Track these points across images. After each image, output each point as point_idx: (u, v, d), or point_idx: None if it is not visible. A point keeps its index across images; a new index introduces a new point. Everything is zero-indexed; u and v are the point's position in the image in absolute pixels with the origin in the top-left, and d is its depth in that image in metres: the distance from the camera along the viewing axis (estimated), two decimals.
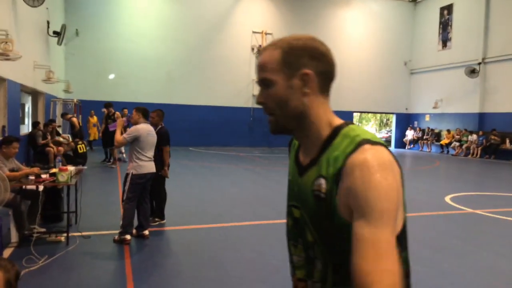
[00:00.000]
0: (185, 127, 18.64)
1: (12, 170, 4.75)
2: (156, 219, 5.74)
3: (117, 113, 12.09)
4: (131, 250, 4.66)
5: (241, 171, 11.94)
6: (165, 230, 5.54)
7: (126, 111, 12.36)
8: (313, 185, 1.00)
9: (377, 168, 0.89)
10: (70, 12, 18.00)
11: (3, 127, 9.00)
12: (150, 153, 5.11)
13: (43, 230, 4.97)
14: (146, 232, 5.10)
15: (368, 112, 22.29)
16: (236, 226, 5.87)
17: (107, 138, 11.45)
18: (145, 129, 5.08)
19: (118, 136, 5.01)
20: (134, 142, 4.94)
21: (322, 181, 0.97)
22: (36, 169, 4.99)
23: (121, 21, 18.88)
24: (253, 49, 20.72)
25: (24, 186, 4.86)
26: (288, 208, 1.15)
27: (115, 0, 18.82)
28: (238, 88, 20.57)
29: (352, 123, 1.04)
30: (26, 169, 4.96)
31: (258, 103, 1.08)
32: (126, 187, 4.95)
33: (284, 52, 1.02)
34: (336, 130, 1.01)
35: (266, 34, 20.65)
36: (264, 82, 1.05)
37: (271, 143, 20.67)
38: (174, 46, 19.53)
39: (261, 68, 1.05)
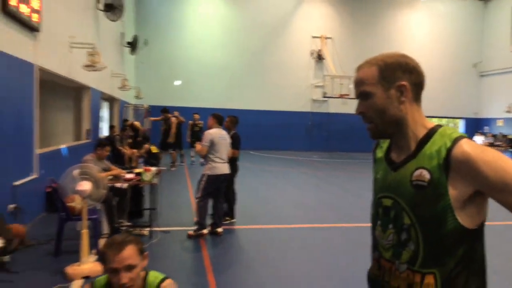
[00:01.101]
0: (246, 131, 19.10)
1: (104, 170, 5.34)
2: (227, 218, 6.11)
3: (173, 117, 12.91)
4: (207, 245, 5.04)
5: (301, 175, 12.10)
6: (235, 229, 5.89)
7: (197, 116, 13.12)
8: (412, 176, 1.19)
9: (486, 151, 1.11)
10: (140, 24, 19.31)
11: (88, 130, 9.97)
12: (224, 156, 5.48)
13: (129, 224, 5.52)
14: (220, 229, 5.47)
15: (434, 117, 21.35)
16: (301, 228, 6.06)
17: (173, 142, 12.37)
18: (218, 133, 5.48)
19: (199, 146, 5.45)
20: (209, 146, 5.34)
21: (424, 172, 1.17)
22: (123, 171, 5.58)
23: (186, 29, 19.90)
24: (311, 53, 20.80)
25: (113, 184, 5.44)
26: (377, 200, 1.33)
27: (181, 11, 19.88)
28: (297, 92, 20.75)
29: (442, 125, 1.24)
30: (115, 170, 5.54)
31: (358, 113, 1.30)
32: (201, 187, 5.36)
33: (380, 68, 1.23)
34: (432, 130, 1.22)
35: (326, 38, 20.64)
36: (363, 94, 1.26)
37: (329, 147, 20.59)
38: (236, 52, 20.18)
39: (360, 82, 1.27)
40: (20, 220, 5.04)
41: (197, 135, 11.84)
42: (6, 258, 4.12)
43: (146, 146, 10.14)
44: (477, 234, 1.19)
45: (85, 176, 4.21)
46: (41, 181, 6.09)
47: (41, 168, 6.10)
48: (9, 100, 5.01)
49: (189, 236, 5.28)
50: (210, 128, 5.58)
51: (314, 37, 20.73)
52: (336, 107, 20.79)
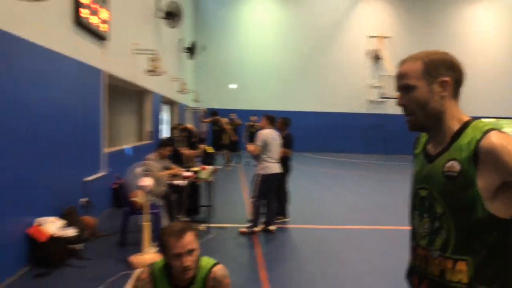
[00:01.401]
0: (300, 133, 19.10)
1: (164, 168, 5.66)
2: (280, 217, 6.20)
3: (224, 119, 13.23)
4: (260, 242, 5.17)
5: (356, 178, 11.87)
6: (288, 228, 5.95)
7: (254, 118, 13.41)
8: (444, 167, 1.25)
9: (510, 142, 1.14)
10: (198, 30, 20.06)
11: (150, 132, 10.56)
12: (276, 156, 5.58)
13: (187, 219, 5.80)
14: (272, 227, 5.57)
15: (506, 118, 19.91)
16: (355, 229, 5.99)
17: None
18: (270, 134, 5.60)
19: (251, 146, 5.60)
20: (262, 146, 5.47)
21: (455, 164, 1.22)
22: (181, 169, 5.88)
23: (241, 34, 20.33)
24: (368, 53, 20.30)
25: (172, 182, 5.75)
26: (414, 191, 1.41)
27: (236, 16, 20.35)
28: (352, 93, 20.36)
29: (478, 119, 1.28)
30: (175, 168, 5.85)
31: (400, 105, 1.36)
32: (255, 186, 5.51)
33: (425, 63, 1.29)
34: (466, 124, 1.27)
35: (384, 38, 20.05)
36: (406, 87, 1.32)
37: (387, 150, 19.94)
38: (290, 54, 20.26)
39: (403, 76, 1.33)
40: (91, 213, 5.50)
41: (254, 137, 12.10)
42: (79, 246, 4.54)
43: (202, 146, 10.52)
44: (510, 224, 1.20)
45: (147, 173, 4.52)
46: (108, 178, 6.59)
47: (108, 166, 6.60)
48: (80, 104, 5.49)
49: (242, 233, 5.45)
50: (262, 129, 5.71)
51: (370, 36, 20.22)
52: (393, 108, 20.06)
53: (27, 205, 4.07)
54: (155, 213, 4.95)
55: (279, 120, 6.31)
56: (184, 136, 11.59)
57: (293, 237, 5.64)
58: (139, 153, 8.01)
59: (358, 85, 20.42)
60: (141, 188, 4.43)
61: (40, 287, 3.62)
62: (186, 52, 15.87)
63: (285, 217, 6.26)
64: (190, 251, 1.89)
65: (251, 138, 12.80)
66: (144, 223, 4.41)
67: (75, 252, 4.43)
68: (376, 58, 20.14)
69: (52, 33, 4.48)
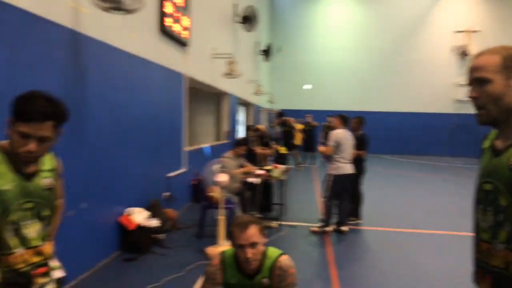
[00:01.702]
0: (379, 135, 18.47)
1: (239, 167, 5.92)
2: (353, 218, 6.11)
3: (291, 119, 13.21)
4: (331, 241, 5.17)
5: (439, 182, 11.17)
6: (361, 229, 5.86)
7: (332, 119, 13.31)
8: (510, 160, 1.23)
9: None
10: (274, 32, 20.38)
11: (226, 132, 11.03)
12: (348, 156, 5.52)
13: (260, 216, 6.00)
14: (344, 228, 5.53)
15: None
16: (433, 234, 5.69)
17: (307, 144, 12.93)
18: (343, 134, 5.55)
19: (323, 147, 5.62)
20: (335, 146, 5.46)
21: None
22: (255, 168, 6.10)
23: (316, 35, 20.21)
24: (454, 50, 18.91)
25: (246, 179, 5.99)
26: (479, 186, 1.39)
27: (312, 16, 20.28)
28: (437, 92, 19.12)
29: None
30: (249, 166, 6.09)
31: (471, 97, 1.34)
32: (327, 186, 5.51)
33: (503, 57, 1.27)
34: None
35: (472, 32, 18.54)
36: (480, 80, 1.30)
37: (476, 153, 18.35)
38: (368, 54, 19.67)
39: (478, 68, 1.31)
40: (172, 206, 5.95)
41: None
42: (162, 236, 4.95)
43: (275, 146, 10.72)
44: None
45: (223, 170, 4.78)
46: (188, 174, 7.05)
47: (188, 163, 7.07)
48: (165, 106, 5.97)
49: (313, 232, 5.48)
50: (335, 129, 5.69)
51: (456, 31, 18.83)
52: None
53: (119, 196, 4.56)
54: (230, 208, 5.21)
55: (354, 119, 6.22)
56: (257, 136, 11.88)
57: (366, 238, 5.53)
58: (216, 152, 8.43)
59: (443, 83, 19.13)
60: (217, 184, 4.70)
61: (129, 270, 4.03)
62: (262, 54, 16.22)
63: (358, 219, 6.16)
64: (253, 244, 2.01)
65: (326, 138, 12.75)
66: (219, 217, 4.67)
67: (158, 241, 4.84)
68: (463, 54, 18.67)
69: (141, 41, 4.96)
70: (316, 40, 20.20)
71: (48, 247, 1.63)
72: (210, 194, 5.25)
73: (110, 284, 3.66)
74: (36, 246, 1.55)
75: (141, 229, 4.57)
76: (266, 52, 16.19)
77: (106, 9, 3.51)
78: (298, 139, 13.41)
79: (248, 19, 11.38)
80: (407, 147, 19.16)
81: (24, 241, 1.51)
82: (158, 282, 3.70)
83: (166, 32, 5.65)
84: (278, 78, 20.44)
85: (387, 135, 18.98)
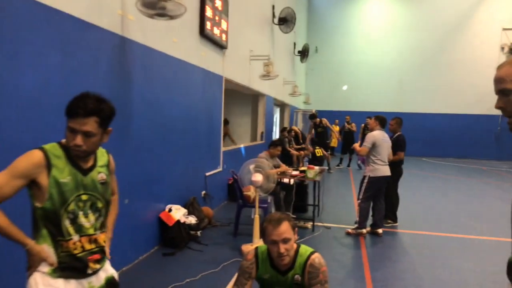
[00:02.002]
0: (418, 137, 17.98)
1: (274, 167, 6.01)
2: (389, 221, 6.04)
3: (324, 119, 13.08)
4: (366, 243, 5.15)
5: (482, 186, 10.74)
6: (397, 232, 5.78)
7: (369, 120, 13.16)
8: None
9: None
10: (311, 32, 20.30)
11: (262, 133, 11.15)
12: (385, 158, 5.47)
13: (294, 216, 6.06)
14: (380, 230, 5.49)
15: None
16: (473, 239, 5.53)
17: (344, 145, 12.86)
18: (380, 135, 5.50)
19: (358, 147, 5.61)
20: (371, 148, 5.42)
21: None
22: (290, 168, 6.16)
23: (354, 34, 19.93)
24: (503, 48, 18.05)
25: (281, 179, 6.07)
26: None
27: (349, 16, 20.02)
28: (481, 93, 18.31)
29: None
30: (283, 167, 6.16)
31: (497, 107, 1.37)
32: (363, 188, 5.49)
33: None
34: None
35: None
36: (503, 92, 1.33)
37: None
38: (407, 53, 19.18)
39: (500, 80, 1.35)
40: (209, 204, 6.13)
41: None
42: (198, 233, 5.13)
43: (310, 148, 10.71)
44: None
45: (258, 169, 4.89)
46: (224, 174, 7.22)
47: (224, 163, 7.23)
48: (203, 107, 6.15)
49: (348, 234, 5.48)
50: (372, 130, 5.66)
51: (505, 29, 17.96)
52: None
53: (160, 193, 4.77)
54: (265, 207, 5.31)
55: (391, 120, 6.15)
56: (292, 136, 11.91)
57: (402, 241, 5.46)
58: (251, 153, 8.57)
59: (490, 83, 18.25)
60: (252, 183, 4.81)
61: (167, 264, 4.22)
62: (298, 55, 16.22)
63: (394, 222, 6.08)
64: (285, 240, 2.09)
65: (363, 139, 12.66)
66: (255, 216, 4.78)
67: (195, 237, 5.02)
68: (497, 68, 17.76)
69: (182, 45, 5.16)
70: (353, 39, 19.93)
71: (102, 237, 1.79)
72: (246, 193, 5.38)
73: (151, 277, 3.85)
74: (90, 235, 1.71)
75: (179, 225, 4.76)
76: (303, 53, 16.17)
77: (151, 16, 3.70)
78: (333, 141, 13.31)
79: (285, 21, 11.45)
80: (449, 150, 18.51)
81: (80, 229, 1.67)
82: (196, 277, 3.86)
83: (206, 36, 5.84)
84: (314, 79, 20.35)
85: (427, 137, 18.42)
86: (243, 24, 8.30)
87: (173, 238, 4.66)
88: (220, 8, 6.36)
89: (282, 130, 12.70)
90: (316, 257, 2.18)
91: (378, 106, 18.54)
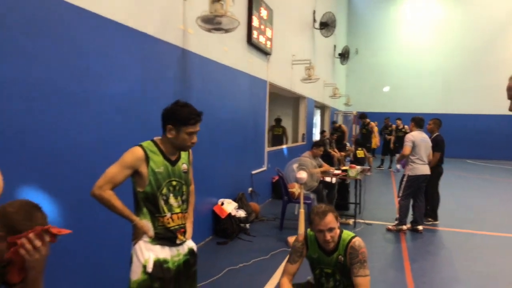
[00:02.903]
0: (464, 138, 17.57)
1: (317, 166, 6.35)
2: (429, 219, 6.21)
3: (372, 123, 13.14)
4: (406, 238, 5.39)
5: None
6: (438, 229, 5.95)
7: (399, 122, 13.16)
8: None
9: None
10: (351, 34, 20.36)
11: (303, 134, 11.48)
12: (424, 157, 5.68)
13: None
14: (420, 227, 5.69)
15: None
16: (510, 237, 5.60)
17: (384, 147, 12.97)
18: (418, 136, 5.72)
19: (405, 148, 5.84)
20: (412, 147, 5.66)
21: None
22: (332, 167, 6.48)
23: (397, 35, 19.77)
24: None
25: (323, 178, 6.40)
26: None
27: (391, 16, 19.88)
28: None
29: None
30: (326, 166, 6.49)
31: (510, 110, 1.67)
32: (403, 186, 5.72)
33: None
34: None
35: None
36: None
37: None
38: (452, 53, 18.78)
39: (509, 89, 1.65)
40: (255, 200, 6.58)
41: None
42: (247, 225, 5.57)
43: (351, 149, 10.92)
44: None
45: (302, 167, 5.26)
46: (269, 173, 7.65)
47: (268, 162, 7.66)
48: (250, 111, 6.61)
49: (388, 230, 5.73)
50: (410, 131, 5.89)
51: None
52: None
53: (213, 189, 5.27)
54: (308, 204, 5.67)
55: (430, 121, 6.35)
56: (333, 139, 12.09)
57: (442, 238, 5.62)
58: (293, 153, 8.93)
59: None
60: (297, 180, 5.19)
61: (221, 252, 4.69)
62: (339, 58, 16.39)
63: (435, 220, 6.24)
64: (331, 229, 2.44)
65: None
66: (300, 210, 5.15)
67: (245, 229, 5.47)
68: None
69: (232, 53, 5.64)
70: (395, 40, 19.78)
71: (185, 216, 2.25)
72: (291, 190, 5.76)
73: (209, 262, 4.32)
74: (178, 213, 2.18)
75: (231, 218, 5.23)
76: (343, 56, 16.33)
77: (209, 30, 4.19)
78: (374, 143, 13.38)
79: (326, 25, 11.73)
80: (496, 152, 17.91)
81: (170, 208, 2.14)
82: (248, 262, 4.30)
83: (252, 44, 6.30)
84: (355, 80, 20.37)
85: (473, 138, 17.95)
86: (286, 30, 8.71)
87: (225, 229, 5.14)
88: (265, 18, 6.81)
89: (322, 132, 12.97)
90: (357, 240, 2.53)
91: (422, 107, 18.29)
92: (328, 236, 2.43)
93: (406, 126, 13.57)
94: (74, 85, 2.80)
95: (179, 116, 2.05)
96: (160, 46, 3.85)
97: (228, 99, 5.64)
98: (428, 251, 4.92)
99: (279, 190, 7.36)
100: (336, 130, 12.44)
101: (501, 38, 18.12)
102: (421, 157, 5.64)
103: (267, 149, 7.73)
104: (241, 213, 5.54)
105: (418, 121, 5.86)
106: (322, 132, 12.82)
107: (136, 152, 2.05)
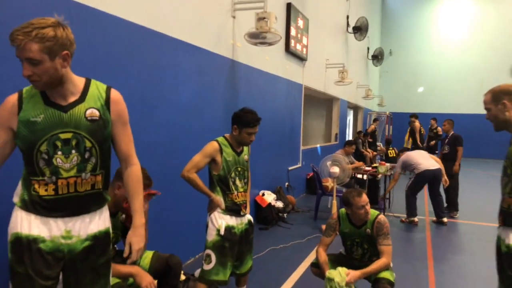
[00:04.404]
0: (498, 139, 17.37)
1: (350, 163, 6.91)
2: (454, 212, 6.68)
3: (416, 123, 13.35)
4: (431, 229, 5.88)
5: None
6: (459, 222, 6.39)
7: (433, 121, 13.34)
8: None
9: None
10: (385, 35, 20.54)
11: (336, 134, 11.99)
12: (421, 159, 6.16)
13: None
14: (445, 219, 6.15)
15: None
16: None
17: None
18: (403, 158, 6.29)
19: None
20: None
21: None
22: (363, 164, 7.03)
23: (431, 35, 19.78)
24: None
25: (355, 174, 6.95)
26: None
27: (425, 16, 19.91)
28: None
29: None
30: (357, 163, 7.03)
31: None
32: (410, 181, 6.22)
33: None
34: None
35: None
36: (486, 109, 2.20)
37: None
38: (489, 53, 18.60)
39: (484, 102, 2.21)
40: (291, 194, 7.22)
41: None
42: (285, 215, 6.23)
43: (382, 148, 11.33)
44: None
45: (335, 163, 5.86)
46: (303, 169, 8.27)
47: (303, 160, 8.27)
48: (287, 112, 7.26)
49: (402, 222, 6.23)
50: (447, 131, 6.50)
51: None
52: None
53: (256, 181, 5.95)
54: (340, 196, 6.24)
55: (446, 121, 6.91)
56: (367, 139, 12.48)
57: (465, 229, 6.04)
58: (326, 152, 9.50)
59: None
60: (331, 174, 5.79)
61: (263, 236, 5.36)
62: (372, 59, 16.70)
63: (455, 213, 6.69)
64: (366, 205, 3.07)
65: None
66: (333, 202, 5.76)
67: (282, 218, 6.13)
68: None
69: (272, 61, 6.31)
70: (429, 41, 19.80)
71: (246, 195, 2.95)
72: (325, 183, 6.37)
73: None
74: (241, 192, 2.88)
75: (270, 207, 5.91)
76: (376, 57, 16.63)
77: (255, 44, 4.89)
78: (406, 142, 13.61)
79: (359, 29, 12.17)
80: None
81: (237, 188, 2.84)
82: (287, 244, 4.97)
83: (290, 52, 6.95)
84: (389, 81, 20.53)
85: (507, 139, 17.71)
86: (321, 36, 9.28)
87: (266, 216, 5.82)
88: (301, 27, 7.44)
89: (358, 132, 13.40)
90: (382, 217, 3.13)
91: (457, 107, 18.28)
92: (367, 209, 3.04)
93: (439, 128, 13.73)
94: (152, 92, 3.56)
95: (242, 119, 2.74)
96: (214, 59, 4.58)
97: (268, 102, 6.32)
98: (451, 240, 5.41)
99: (313, 185, 7.98)
100: (365, 135, 12.86)
101: None
102: (416, 163, 6.09)
103: (302, 147, 8.35)
104: (279, 204, 6.20)
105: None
106: (359, 132, 13.23)
107: (214, 145, 2.77)
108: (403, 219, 6.29)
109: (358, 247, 3.19)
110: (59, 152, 1.60)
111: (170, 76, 3.79)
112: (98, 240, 1.75)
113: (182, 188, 3.09)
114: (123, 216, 2.42)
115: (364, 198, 3.07)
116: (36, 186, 1.61)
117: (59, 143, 1.59)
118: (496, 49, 18.46)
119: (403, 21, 20.34)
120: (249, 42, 4.87)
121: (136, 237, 1.81)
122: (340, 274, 2.85)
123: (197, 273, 3.43)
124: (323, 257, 3.14)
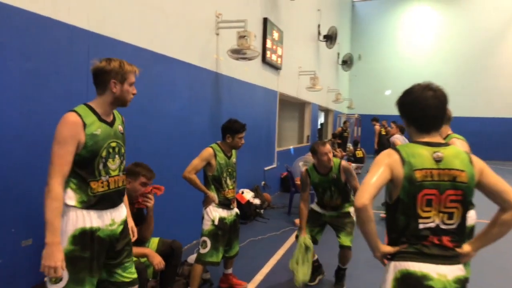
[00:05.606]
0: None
1: None
2: None
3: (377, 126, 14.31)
4: None
5: None
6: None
7: (393, 124, 14.33)
8: None
9: None
10: (354, 41, 21.58)
11: (308, 136, 12.77)
12: None
13: None
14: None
15: None
16: None
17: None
18: (401, 139, 7.02)
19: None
20: None
21: None
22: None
23: (397, 41, 20.93)
24: None
25: None
26: None
27: (393, 24, 21.03)
28: None
29: None
30: None
31: None
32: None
33: None
34: None
35: None
36: None
37: None
38: (451, 59, 19.71)
39: None
40: (267, 191, 7.89)
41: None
42: (262, 211, 6.89)
43: (351, 149, 12.20)
44: None
45: (307, 163, 6.57)
46: (278, 169, 8.96)
47: (278, 160, 8.96)
48: (263, 116, 7.92)
49: (382, 218, 7.00)
50: (392, 135, 7.19)
51: None
52: None
53: (237, 180, 6.57)
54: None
55: (392, 124, 7.70)
56: (337, 142, 13.31)
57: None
58: (298, 153, 10.23)
59: None
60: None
61: (243, 229, 5.94)
62: (342, 65, 17.63)
63: None
64: (329, 152, 3.66)
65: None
66: None
67: (259, 214, 6.78)
68: None
69: (250, 71, 6.96)
70: (396, 46, 20.91)
71: (234, 192, 3.59)
72: (298, 182, 7.07)
73: None
74: (231, 189, 3.51)
75: (249, 204, 6.55)
76: (346, 62, 17.56)
77: (236, 58, 5.52)
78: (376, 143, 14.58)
79: (330, 38, 13.00)
80: (492, 153, 19.06)
81: (227, 186, 3.48)
82: (265, 236, 5.63)
83: (266, 62, 7.62)
84: (358, 85, 21.56)
85: (470, 140, 18.89)
86: (294, 45, 10.00)
87: (245, 212, 6.46)
88: (276, 39, 8.12)
89: (333, 136, 14.21)
90: (344, 163, 3.75)
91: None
92: (330, 156, 3.65)
93: (389, 128, 14.78)
94: (151, 105, 4.13)
95: (233, 128, 3.38)
96: (200, 72, 5.18)
97: (247, 108, 6.96)
98: None
99: (287, 184, 8.69)
100: (340, 135, 13.70)
101: (500, 43, 19.21)
102: None
103: (277, 149, 9.04)
104: (257, 201, 6.85)
105: (401, 128, 7.14)
106: (334, 136, 13.98)
107: (209, 151, 3.39)
108: (382, 215, 7.07)
109: (328, 190, 3.79)
110: (111, 157, 2.13)
111: (164, 91, 4.37)
112: (125, 224, 2.25)
113: (178, 186, 3.71)
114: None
115: (328, 147, 3.69)
116: (94, 186, 2.05)
117: (110, 150, 2.12)
118: (457, 55, 19.79)
119: (372, 27, 21.43)
120: (231, 57, 5.50)
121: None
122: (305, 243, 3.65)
123: (190, 259, 4.04)
124: (304, 212, 3.83)
